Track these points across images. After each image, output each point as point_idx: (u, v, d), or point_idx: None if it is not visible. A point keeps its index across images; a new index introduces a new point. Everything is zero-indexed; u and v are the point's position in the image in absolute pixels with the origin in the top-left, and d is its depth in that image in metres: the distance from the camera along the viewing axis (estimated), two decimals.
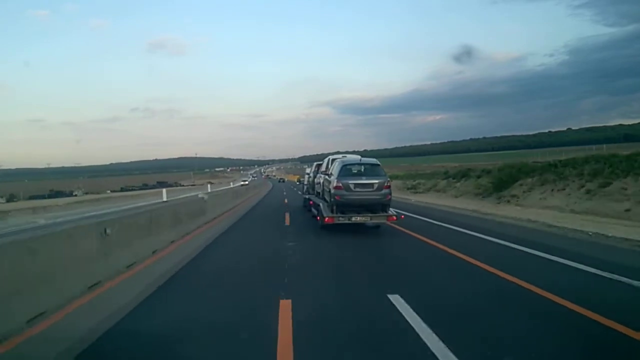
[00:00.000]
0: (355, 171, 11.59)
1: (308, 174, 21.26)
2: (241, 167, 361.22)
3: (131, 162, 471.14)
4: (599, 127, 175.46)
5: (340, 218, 11.25)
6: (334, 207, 11.33)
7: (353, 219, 11.22)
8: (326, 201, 12.66)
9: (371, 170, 11.51)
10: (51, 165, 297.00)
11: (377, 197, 11.11)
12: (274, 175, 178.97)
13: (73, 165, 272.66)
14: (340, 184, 11.10)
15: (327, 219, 11.24)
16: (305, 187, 22.29)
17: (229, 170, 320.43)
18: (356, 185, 11.07)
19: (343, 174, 11.29)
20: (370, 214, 11.35)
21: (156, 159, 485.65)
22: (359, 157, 14.09)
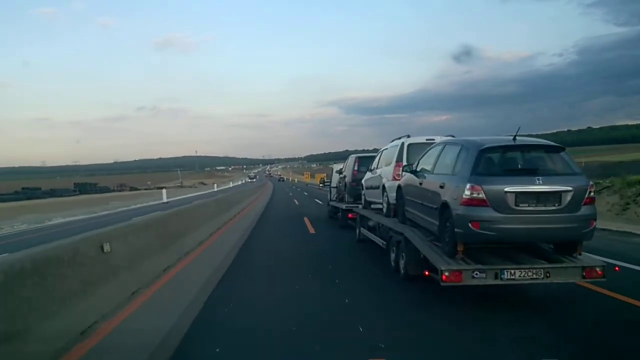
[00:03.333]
0: (515, 164, 5.06)
1: (340, 172, 14.82)
2: (244, 166, 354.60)
3: (135, 161, 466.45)
4: (621, 125, 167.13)
5: (477, 274, 4.76)
6: (462, 247, 4.87)
7: (507, 274, 4.73)
8: (421, 226, 6.23)
9: (550, 162, 5.00)
10: (47, 164, 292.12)
11: (571, 224, 4.65)
12: (279, 174, 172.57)
13: (71, 163, 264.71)
14: (482, 195, 4.61)
15: (447, 274, 4.71)
16: (334, 191, 15.87)
17: (230, 169, 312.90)
18: (523, 196, 4.58)
19: (485, 171, 4.78)
20: (544, 264, 4.87)
21: (160, 158, 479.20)
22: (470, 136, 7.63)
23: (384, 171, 8.55)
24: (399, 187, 7.19)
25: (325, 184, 18.21)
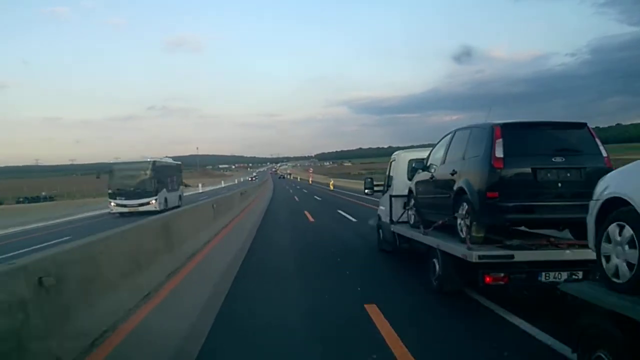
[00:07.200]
0: None
1: (426, 167, 7.00)
2: (250, 165, 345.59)
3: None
4: (636, 124, 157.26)
5: None
6: None
7: None
8: None
9: None
10: (40, 163, 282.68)
11: None
12: (288, 172, 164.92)
13: (68, 162, 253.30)
14: None
15: None
16: (398, 204, 8.14)
17: (234, 167, 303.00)
18: None
19: None
20: None
21: (166, 157, 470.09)
22: None
23: None
24: None
25: (376, 190, 10.11)
